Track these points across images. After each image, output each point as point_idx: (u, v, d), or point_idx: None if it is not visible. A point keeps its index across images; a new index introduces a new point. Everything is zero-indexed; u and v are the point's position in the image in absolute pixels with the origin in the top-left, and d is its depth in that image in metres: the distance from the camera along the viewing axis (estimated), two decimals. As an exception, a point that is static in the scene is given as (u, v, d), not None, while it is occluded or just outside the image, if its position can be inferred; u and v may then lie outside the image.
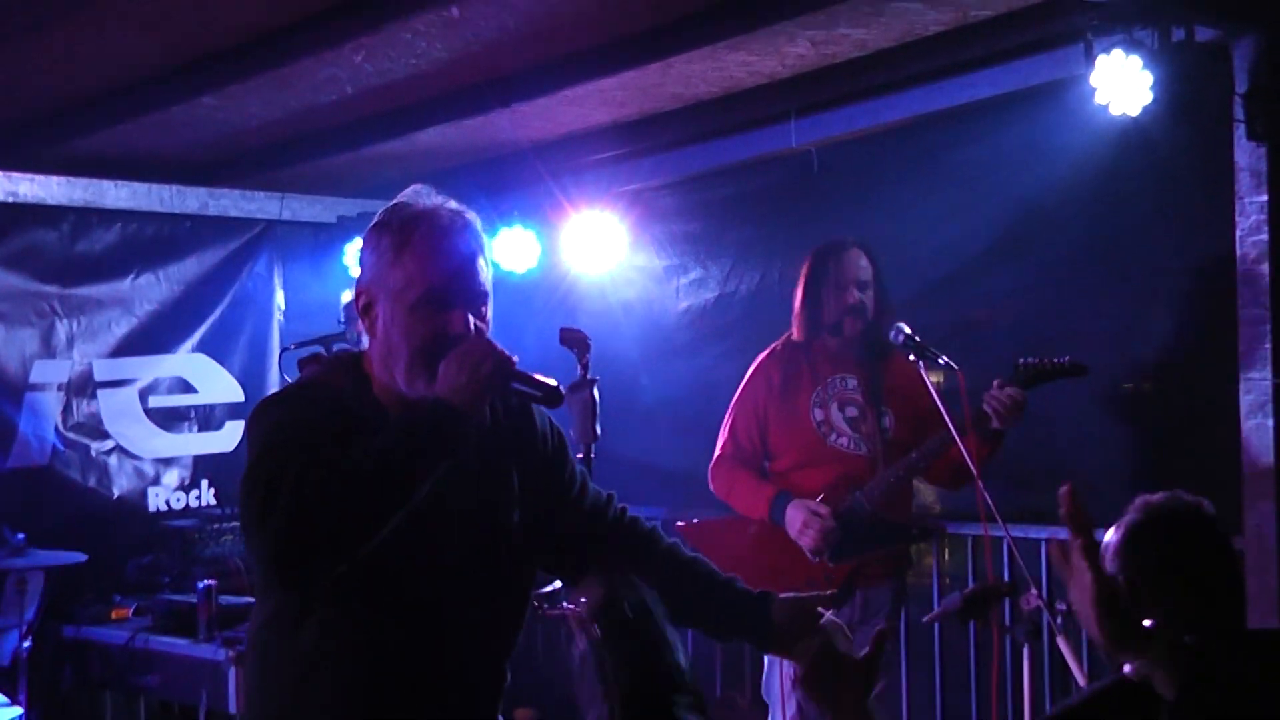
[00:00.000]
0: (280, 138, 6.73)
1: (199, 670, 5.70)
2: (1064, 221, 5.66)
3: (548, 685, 6.86)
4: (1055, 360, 4.81)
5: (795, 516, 4.84)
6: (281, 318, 7.83)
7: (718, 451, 5.12)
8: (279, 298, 7.86)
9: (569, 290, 7.30)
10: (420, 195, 2.71)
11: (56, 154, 6.62)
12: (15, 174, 6.75)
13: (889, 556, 5.09)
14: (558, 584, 5.77)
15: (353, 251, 7.46)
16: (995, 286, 5.83)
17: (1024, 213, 5.71)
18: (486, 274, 2.69)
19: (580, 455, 4.00)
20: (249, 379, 7.68)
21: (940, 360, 4.76)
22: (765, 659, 5.11)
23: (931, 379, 4.75)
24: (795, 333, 5.15)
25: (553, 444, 2.95)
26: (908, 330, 4.79)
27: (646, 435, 6.84)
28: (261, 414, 2.65)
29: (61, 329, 6.99)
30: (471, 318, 2.62)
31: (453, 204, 2.72)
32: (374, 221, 2.71)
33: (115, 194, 7.12)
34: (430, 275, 2.59)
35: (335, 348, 6.01)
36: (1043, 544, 5.74)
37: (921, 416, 4.87)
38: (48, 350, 6.96)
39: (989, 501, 4.49)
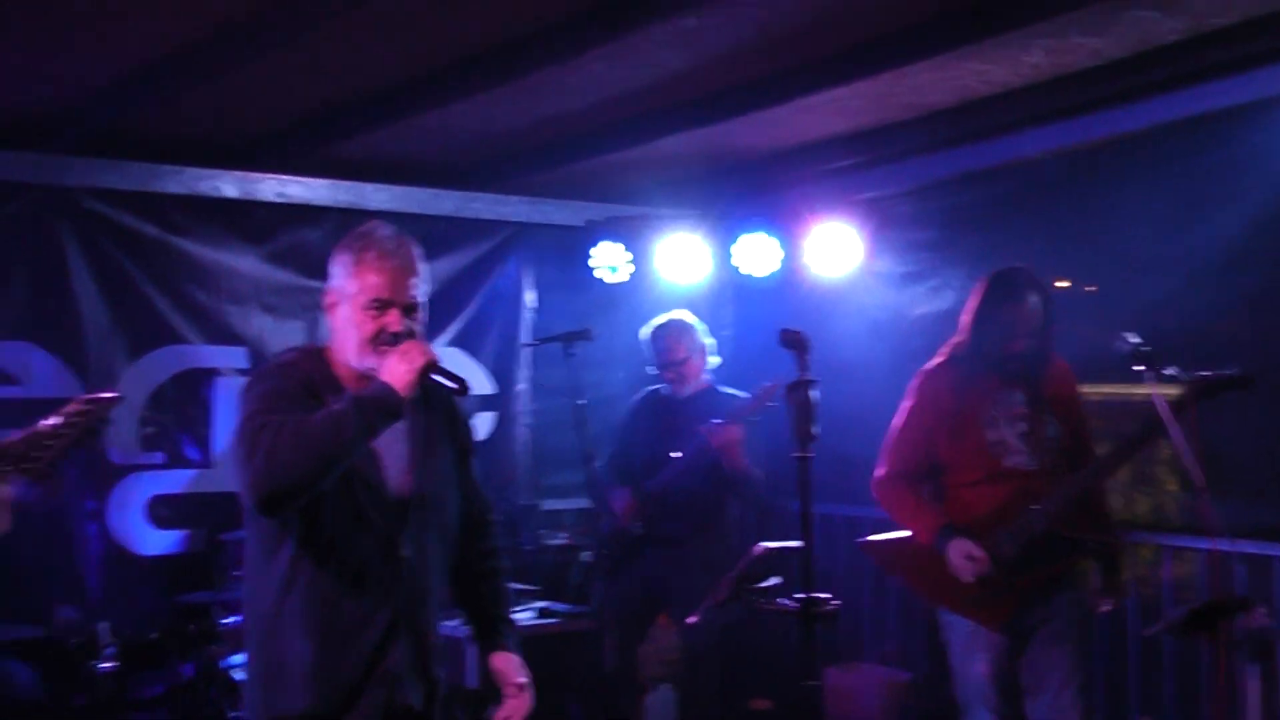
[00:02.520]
0: (528, 144, 6.92)
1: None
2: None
3: (780, 677, 6.91)
4: (1220, 374, 4.65)
5: (954, 556, 4.83)
6: (530, 314, 8.07)
7: (884, 469, 5.09)
8: (528, 296, 8.06)
9: (808, 294, 7.26)
10: (375, 228, 3.53)
11: (321, 158, 6.93)
12: (284, 176, 7.12)
13: (1065, 568, 4.99)
14: (777, 580, 5.88)
15: (600, 253, 7.66)
16: (1226, 297, 5.70)
17: (1258, 223, 5.57)
18: (419, 287, 3.49)
19: (796, 455, 4.02)
20: (500, 372, 7.97)
21: (1167, 371, 4.65)
22: (954, 664, 5.09)
23: (1158, 390, 4.64)
24: (963, 349, 5.06)
25: (465, 435, 3.84)
26: (1136, 339, 4.71)
27: (869, 434, 6.77)
28: (251, 384, 3.47)
29: (325, 322, 7.17)
30: (404, 318, 3.41)
31: (398, 234, 3.52)
32: (339, 244, 3.55)
33: (375, 196, 7.37)
34: (374, 285, 3.41)
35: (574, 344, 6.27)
36: (1275, 561, 5.62)
37: (1078, 420, 4.92)
38: (312, 341, 7.03)
39: (1216, 516, 4.45)
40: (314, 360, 3.58)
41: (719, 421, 5.98)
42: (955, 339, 5.07)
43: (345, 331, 3.49)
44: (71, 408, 2.98)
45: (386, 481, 3.50)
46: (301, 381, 3.48)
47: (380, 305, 3.42)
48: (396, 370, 3.30)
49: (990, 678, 4.92)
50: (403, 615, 3.52)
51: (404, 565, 3.51)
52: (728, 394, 6.35)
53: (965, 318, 5.04)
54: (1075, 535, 4.87)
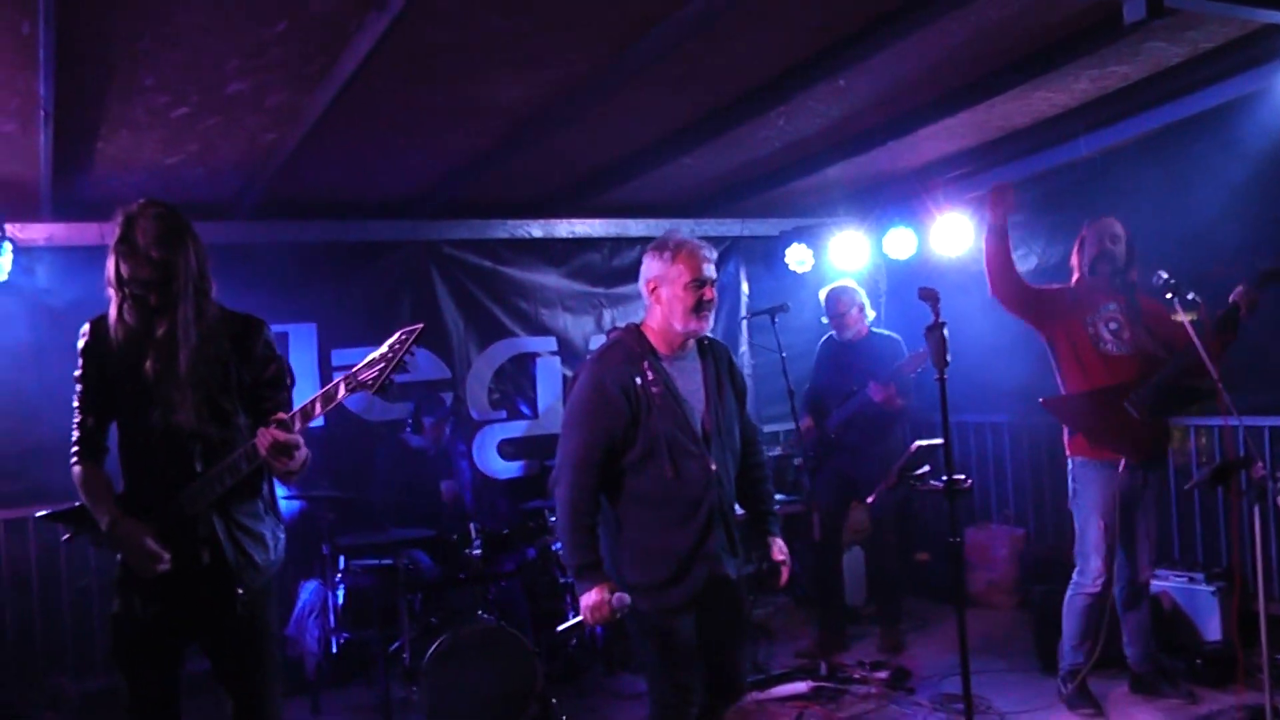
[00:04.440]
0: (734, 181, 6.98)
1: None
2: (1261, 199, 5.55)
3: (936, 537, 7.00)
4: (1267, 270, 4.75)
5: None
6: (745, 298, 8.15)
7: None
8: (744, 286, 8.14)
9: (935, 267, 7.29)
10: (678, 232, 3.76)
11: (596, 204, 7.15)
12: (572, 220, 7.43)
13: (1164, 442, 5.12)
14: (927, 468, 5.97)
15: (791, 253, 7.77)
16: (1225, 245, 5.71)
17: (1234, 195, 5.61)
18: (714, 272, 3.69)
19: (936, 378, 4.13)
20: (727, 336, 8.00)
21: (1188, 296, 4.74)
22: (1079, 524, 5.13)
23: (1185, 314, 4.71)
24: (1073, 276, 5.19)
25: (741, 383, 3.95)
26: (1165, 274, 4.79)
27: (987, 361, 6.74)
28: (585, 367, 3.77)
29: (607, 315, 7.49)
30: (713, 291, 3.66)
31: (696, 237, 3.74)
32: (653, 245, 3.75)
33: (635, 227, 7.57)
34: (693, 270, 3.64)
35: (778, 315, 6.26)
36: (1265, 430, 5.65)
37: (1166, 333, 4.94)
38: (599, 329, 7.43)
39: (1228, 400, 4.55)
40: (633, 335, 3.74)
41: (878, 384, 6.10)
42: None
43: (671, 304, 3.64)
44: (393, 339, 2.99)
45: (695, 421, 3.66)
46: (621, 361, 3.66)
47: (696, 284, 3.62)
48: (586, 607, 3.59)
49: (1105, 531, 5.03)
50: (716, 510, 3.67)
51: (714, 477, 3.66)
52: (881, 334, 6.47)
53: (1073, 258, 5.16)
54: (1192, 385, 4.94)
